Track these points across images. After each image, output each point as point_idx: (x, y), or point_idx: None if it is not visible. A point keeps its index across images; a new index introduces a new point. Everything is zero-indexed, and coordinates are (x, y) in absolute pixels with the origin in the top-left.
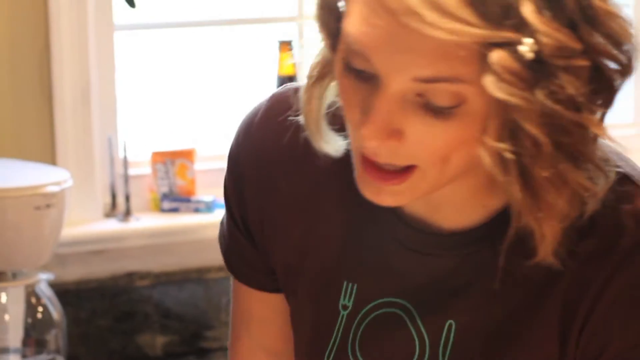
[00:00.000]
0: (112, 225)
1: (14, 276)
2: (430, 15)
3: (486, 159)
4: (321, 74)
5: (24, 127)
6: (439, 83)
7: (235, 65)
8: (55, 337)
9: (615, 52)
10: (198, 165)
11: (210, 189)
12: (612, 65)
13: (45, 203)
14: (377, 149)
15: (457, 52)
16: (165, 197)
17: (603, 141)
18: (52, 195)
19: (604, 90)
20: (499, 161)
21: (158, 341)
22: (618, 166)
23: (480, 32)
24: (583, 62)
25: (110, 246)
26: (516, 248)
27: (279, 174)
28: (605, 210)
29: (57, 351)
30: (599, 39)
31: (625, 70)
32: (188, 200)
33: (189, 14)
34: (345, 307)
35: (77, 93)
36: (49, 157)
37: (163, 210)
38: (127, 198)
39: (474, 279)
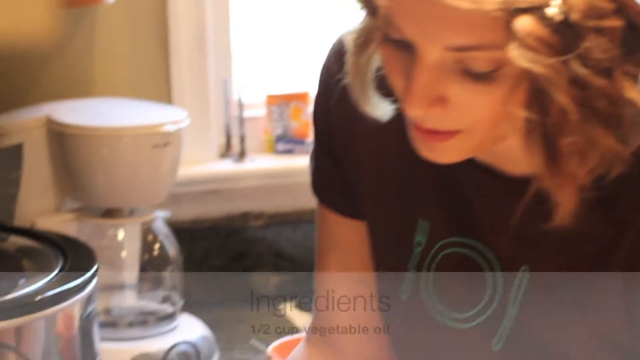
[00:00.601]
0: (227, 166)
1: (131, 213)
2: None
3: (509, 125)
4: (366, 40)
5: (141, 69)
6: (472, 51)
7: (353, 7)
8: (171, 274)
9: None
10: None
11: None
12: None
13: (163, 142)
14: (422, 118)
15: (484, 21)
16: (280, 139)
17: None
18: (170, 134)
19: None
20: (524, 128)
21: (271, 281)
22: None
23: None
24: (615, 22)
25: (224, 186)
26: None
27: None
28: None
29: (173, 288)
30: None
31: None
32: (302, 142)
33: None
34: (419, 244)
35: (193, 36)
36: (165, 99)
37: (277, 152)
38: (242, 139)
39: (545, 228)
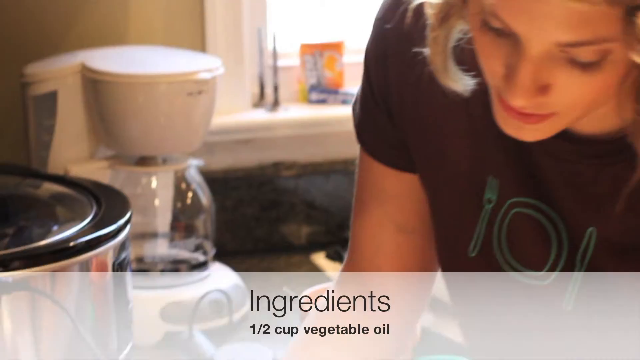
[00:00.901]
0: (260, 115)
1: (164, 161)
2: None
3: (619, 116)
4: (447, 15)
5: (176, 17)
6: (583, 46)
7: None
8: (203, 223)
9: None
10: (347, 58)
11: (359, 81)
12: None
13: (197, 89)
14: (524, 106)
15: (598, 17)
16: (313, 88)
17: None
18: (204, 81)
19: None
20: (633, 119)
21: (303, 231)
22: None
23: None
24: None
25: (257, 136)
26: None
27: (423, 58)
28: None
29: (205, 236)
30: None
31: None
32: (336, 92)
33: None
34: (489, 201)
35: None
36: (199, 47)
37: (311, 102)
38: (276, 89)
39: (614, 190)
